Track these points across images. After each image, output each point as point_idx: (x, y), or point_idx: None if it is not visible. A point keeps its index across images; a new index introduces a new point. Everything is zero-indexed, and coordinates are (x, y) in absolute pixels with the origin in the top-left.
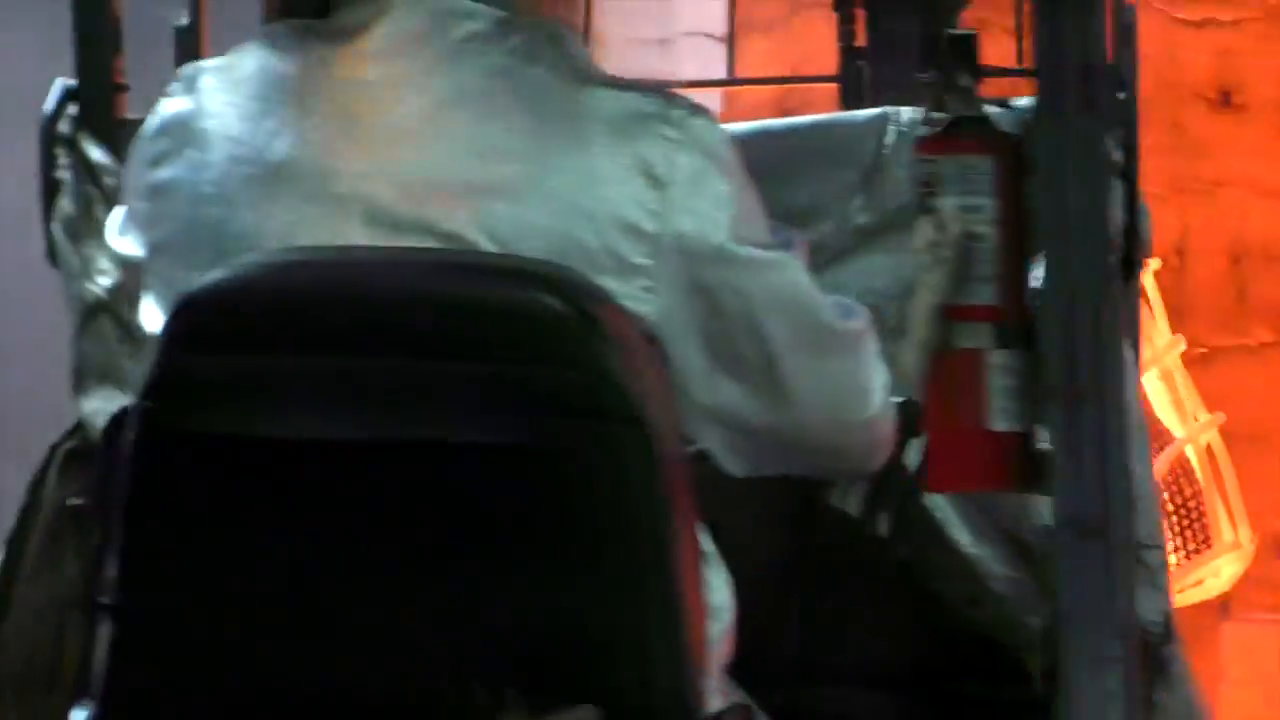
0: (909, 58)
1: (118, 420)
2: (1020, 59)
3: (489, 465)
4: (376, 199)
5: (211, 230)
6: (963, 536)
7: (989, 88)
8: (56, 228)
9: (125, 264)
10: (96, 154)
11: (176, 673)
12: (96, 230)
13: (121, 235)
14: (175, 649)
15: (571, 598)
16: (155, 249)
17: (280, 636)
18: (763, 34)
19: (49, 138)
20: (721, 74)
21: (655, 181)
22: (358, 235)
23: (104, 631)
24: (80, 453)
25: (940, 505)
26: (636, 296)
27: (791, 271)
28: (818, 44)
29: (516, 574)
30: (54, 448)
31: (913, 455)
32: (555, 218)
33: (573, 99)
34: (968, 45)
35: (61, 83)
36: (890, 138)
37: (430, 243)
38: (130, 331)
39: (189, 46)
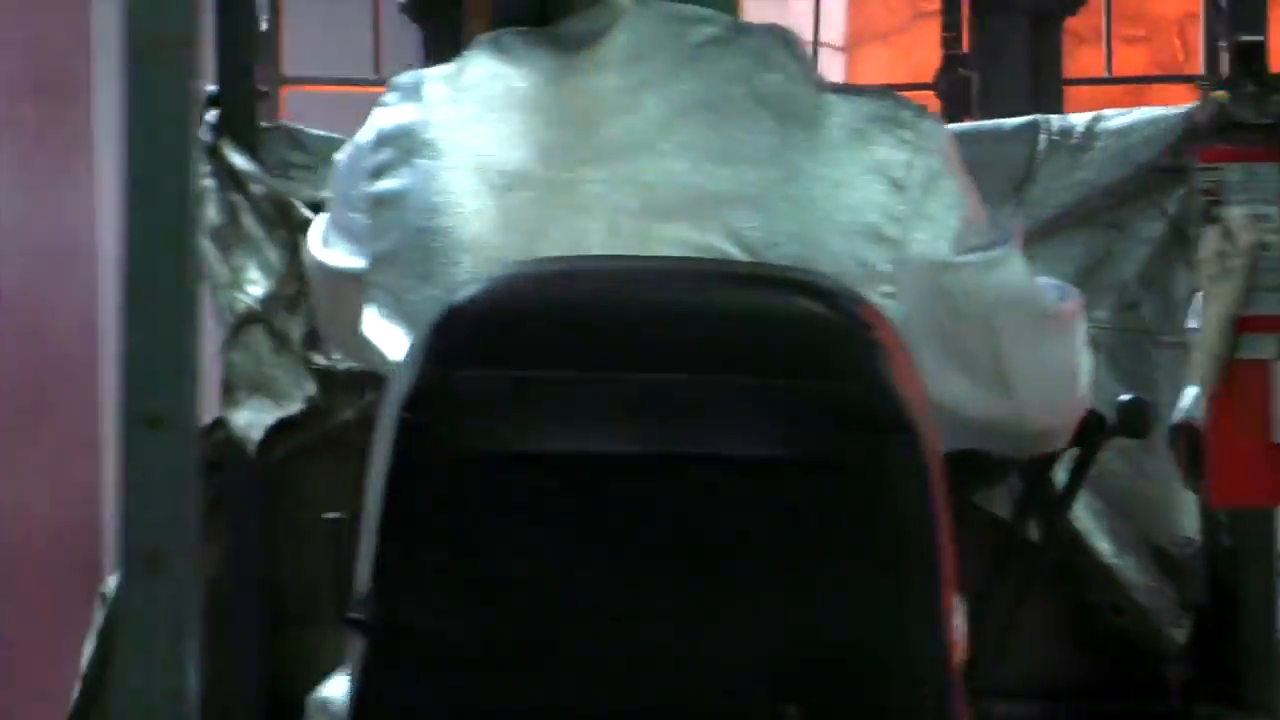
0: (1017, 65)
1: (274, 432)
2: (1109, 69)
3: (761, 478)
4: (619, 208)
5: (444, 241)
6: (1105, 545)
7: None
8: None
9: (332, 275)
10: (240, 161)
11: (432, 692)
12: (245, 239)
13: (327, 247)
14: (430, 667)
15: (843, 611)
16: (380, 260)
17: (542, 655)
18: (881, 42)
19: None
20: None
21: (894, 185)
22: (600, 245)
23: (356, 648)
24: (210, 465)
25: (1082, 514)
26: (879, 303)
27: (1016, 264)
28: (937, 52)
29: (790, 588)
30: None
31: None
32: (802, 224)
33: (810, 103)
34: (1256, 52)
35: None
36: (1042, 145)
37: (676, 251)
38: (284, 341)
39: (269, 51)
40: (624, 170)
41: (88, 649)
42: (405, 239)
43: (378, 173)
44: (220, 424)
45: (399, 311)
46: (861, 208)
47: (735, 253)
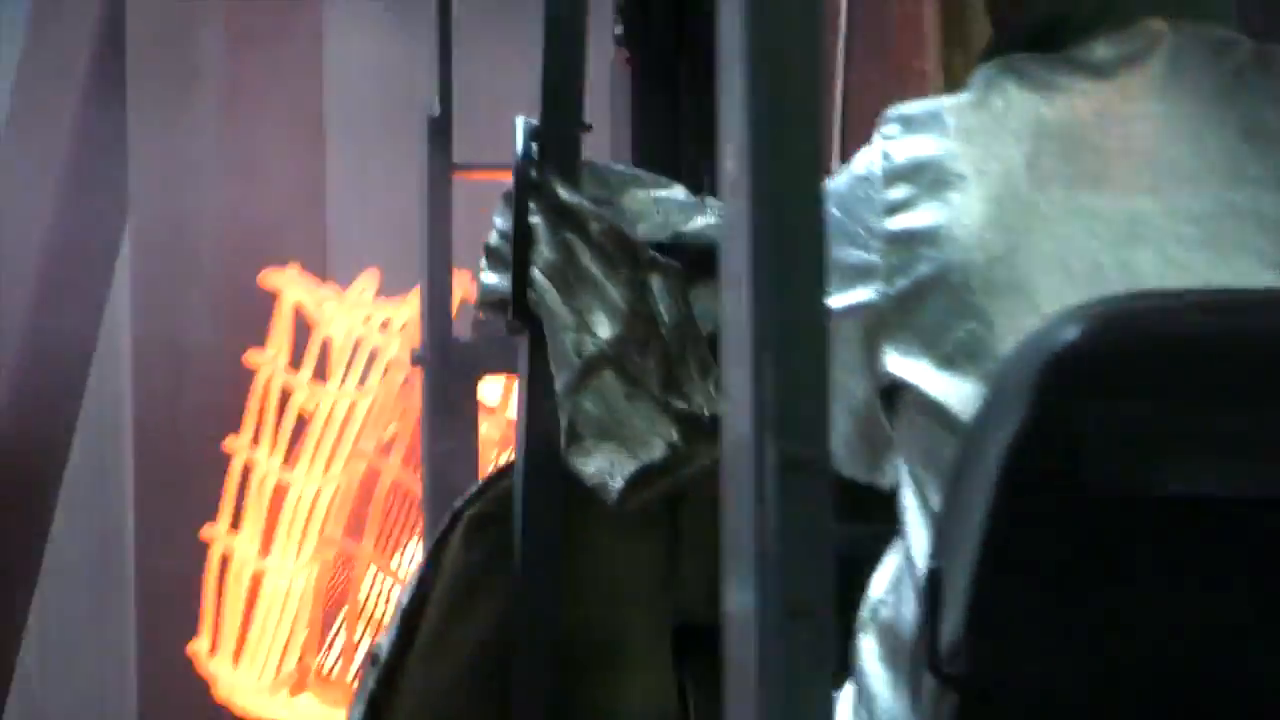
0: None
1: (635, 482)
2: None
3: None
4: (1174, 238)
5: (985, 275)
6: None
7: None
8: (538, 276)
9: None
10: (572, 197)
11: None
12: (585, 279)
13: None
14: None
15: None
16: (903, 297)
17: (1159, 707)
18: None
19: (523, 181)
20: None
21: None
22: (1153, 277)
23: (945, 703)
24: (488, 518)
25: None
26: None
27: None
28: None
29: None
30: (458, 512)
31: None
32: None
33: None
34: None
35: (525, 122)
36: None
37: (1236, 283)
38: (638, 385)
39: (441, 136)
40: (1175, 200)
41: (355, 715)
42: (938, 274)
43: (895, 208)
44: (504, 474)
45: (931, 349)
46: None
47: None
